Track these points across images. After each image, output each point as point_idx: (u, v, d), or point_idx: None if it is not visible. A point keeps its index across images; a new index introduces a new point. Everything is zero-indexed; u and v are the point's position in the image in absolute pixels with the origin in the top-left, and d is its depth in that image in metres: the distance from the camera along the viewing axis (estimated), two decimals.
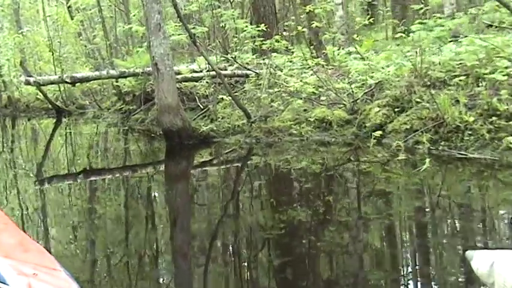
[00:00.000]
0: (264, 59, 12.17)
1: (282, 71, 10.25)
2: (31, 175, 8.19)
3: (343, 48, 10.85)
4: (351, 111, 8.46)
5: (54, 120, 16.19)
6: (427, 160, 5.86)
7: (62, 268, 2.12)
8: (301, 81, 9.79)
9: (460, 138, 6.56)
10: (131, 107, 13.02)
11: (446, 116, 6.79)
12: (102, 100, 16.98)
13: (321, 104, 8.69)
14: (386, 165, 6.57)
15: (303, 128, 8.43)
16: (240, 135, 8.82)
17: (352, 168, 6.89)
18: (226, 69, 11.68)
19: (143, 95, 12.58)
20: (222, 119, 9.68)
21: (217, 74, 9.33)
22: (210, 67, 11.38)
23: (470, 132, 6.52)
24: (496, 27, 9.71)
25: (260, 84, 10.38)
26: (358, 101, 8.49)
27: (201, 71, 12.01)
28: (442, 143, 6.67)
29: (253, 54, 12.39)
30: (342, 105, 8.62)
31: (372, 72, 8.58)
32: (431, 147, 6.68)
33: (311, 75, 10.23)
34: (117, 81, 13.83)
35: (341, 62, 10.58)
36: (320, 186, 6.04)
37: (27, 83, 12.84)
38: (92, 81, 13.61)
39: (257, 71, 10.94)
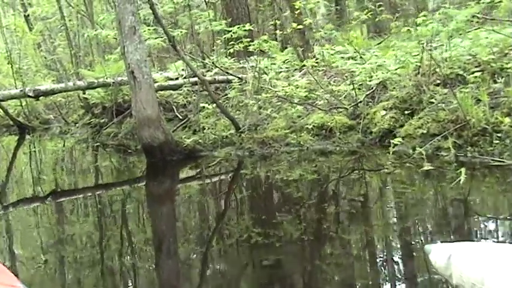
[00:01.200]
0: (245, 62, 11.34)
1: (267, 75, 9.33)
2: None
3: (332, 48, 9.96)
4: (353, 115, 7.59)
5: (17, 138, 14.88)
6: (462, 170, 4.98)
7: (22, 285, 2.02)
8: (289, 84, 8.89)
9: (489, 142, 5.75)
10: (102, 121, 11.90)
11: (469, 118, 5.96)
12: (68, 114, 15.77)
13: (320, 109, 7.78)
14: (412, 178, 5.66)
15: (300, 136, 7.52)
16: (230, 148, 7.86)
17: (373, 185, 5.85)
18: (204, 75, 10.71)
19: (114, 106, 11.50)
20: (206, 129, 8.70)
21: (201, 81, 8.37)
22: (189, 73, 10.45)
23: (499, 135, 5.70)
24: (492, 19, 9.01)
25: (245, 90, 9.47)
26: (359, 104, 7.62)
27: (176, 79, 11.05)
28: (469, 149, 5.84)
29: (230, 58, 11.46)
30: (341, 110, 7.74)
31: (372, 72, 7.71)
32: (458, 154, 5.84)
33: (301, 78, 9.35)
34: (84, 93, 12.69)
35: (330, 62, 9.71)
36: (334, 212, 5.02)
37: None
38: (56, 94, 12.39)
39: (239, 76, 10.01)
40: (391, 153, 6.01)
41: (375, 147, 6.95)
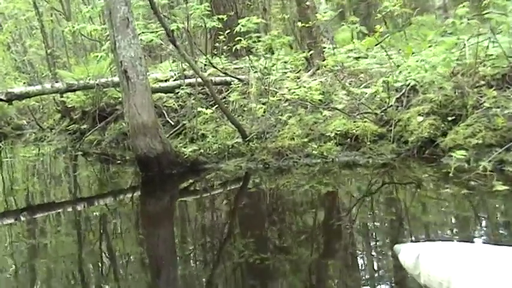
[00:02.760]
0: (239, 63, 10.22)
1: (273, 75, 8.22)
2: None
3: (335, 47, 8.90)
4: (380, 122, 6.53)
5: None
6: None
7: None
8: (300, 86, 7.79)
9: None
10: (83, 127, 10.63)
11: None
12: (43, 119, 14.42)
13: (347, 114, 6.70)
14: (489, 204, 4.51)
15: (321, 146, 6.42)
16: (239, 159, 6.71)
17: (436, 215, 4.47)
18: (193, 77, 9.55)
19: (97, 111, 10.24)
20: (208, 138, 7.55)
21: (204, 82, 7.18)
22: (181, 74, 9.28)
23: None
24: None
25: (247, 93, 8.35)
26: (389, 108, 6.56)
27: (166, 80, 9.87)
28: None
29: (224, 58, 10.34)
30: (366, 116, 6.67)
31: (404, 73, 6.66)
32: None
33: (309, 79, 8.27)
34: (61, 96, 11.41)
35: (342, 62, 8.64)
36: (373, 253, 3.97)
37: None
38: (31, 98, 11.06)
39: (239, 77, 8.88)
40: (452, 168, 4.89)
41: (412, 159, 5.89)
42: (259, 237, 4.16)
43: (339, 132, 6.48)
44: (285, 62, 9.26)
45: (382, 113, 6.47)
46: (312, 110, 7.23)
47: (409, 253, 2.41)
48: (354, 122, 6.62)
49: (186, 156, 6.75)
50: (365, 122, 6.55)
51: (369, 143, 6.20)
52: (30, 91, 9.85)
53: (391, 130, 6.28)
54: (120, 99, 10.58)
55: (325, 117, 7.03)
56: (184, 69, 10.25)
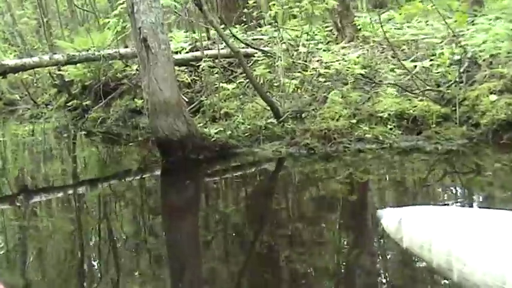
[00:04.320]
0: (259, 33, 9.16)
1: (305, 47, 7.21)
2: None
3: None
4: (441, 100, 5.55)
5: None
6: None
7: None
8: (336, 59, 6.80)
9: None
10: (84, 103, 9.52)
11: None
12: (37, 94, 13.23)
13: (410, 92, 5.71)
14: None
15: (372, 128, 5.45)
16: (276, 143, 5.71)
17: None
18: (208, 49, 8.48)
19: (101, 86, 9.15)
20: (230, 117, 6.56)
21: (235, 53, 6.12)
22: (197, 45, 8.24)
23: None
24: None
25: (274, 67, 7.32)
26: (453, 85, 5.58)
27: (176, 52, 8.79)
28: None
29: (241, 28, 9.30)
30: (425, 93, 5.68)
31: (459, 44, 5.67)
32: None
33: (349, 52, 7.26)
34: (59, 70, 10.24)
35: (374, 32, 7.63)
36: None
37: None
38: (27, 71, 9.91)
39: (263, 49, 7.84)
40: None
41: (486, 145, 4.94)
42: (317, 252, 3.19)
43: (392, 113, 5.49)
44: (312, 33, 8.23)
45: (449, 90, 5.48)
46: (354, 86, 6.23)
47: (391, 218, 2.38)
48: (408, 100, 5.64)
49: (213, 139, 5.74)
50: (421, 101, 5.57)
51: (433, 125, 5.22)
52: (26, 63, 8.71)
53: (455, 110, 5.31)
54: (125, 73, 9.54)
55: (369, 94, 6.06)
56: (196, 40, 9.20)
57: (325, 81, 6.52)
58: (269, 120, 6.08)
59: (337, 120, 5.65)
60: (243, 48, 8.10)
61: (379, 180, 4.64)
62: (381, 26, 6.37)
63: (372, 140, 5.28)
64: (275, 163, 5.39)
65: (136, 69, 9.05)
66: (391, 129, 5.36)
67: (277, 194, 4.62)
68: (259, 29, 9.54)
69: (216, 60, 7.49)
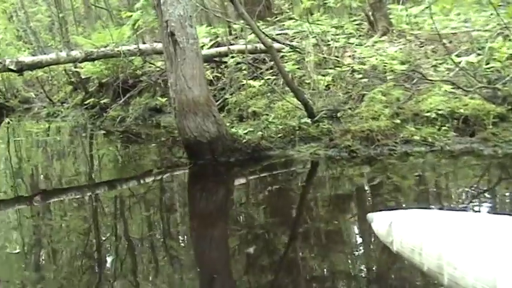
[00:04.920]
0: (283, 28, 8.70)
1: (336, 41, 6.76)
2: None
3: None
4: (495, 98, 5.07)
5: None
6: None
7: None
8: (372, 54, 6.34)
9: None
10: (102, 101, 9.12)
11: None
12: (52, 91, 12.87)
13: (465, 90, 5.23)
14: None
15: (418, 129, 4.98)
16: (313, 144, 5.27)
17: None
18: (230, 44, 8.05)
19: (119, 83, 8.74)
20: (258, 116, 6.13)
21: (267, 48, 5.65)
22: (218, 40, 7.80)
23: None
24: None
25: (303, 63, 6.87)
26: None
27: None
28: None
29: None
30: (478, 90, 5.20)
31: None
32: None
33: (377, 46, 6.79)
34: (75, 67, 9.82)
35: (410, 25, 7.15)
36: None
37: None
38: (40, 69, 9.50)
39: (291, 44, 7.39)
40: None
41: None
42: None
43: (440, 112, 5.01)
44: (341, 27, 7.77)
45: (506, 87, 5.00)
46: (394, 83, 5.76)
47: (382, 221, 2.33)
48: (456, 98, 5.17)
49: (244, 141, 5.30)
50: (472, 99, 5.09)
51: (490, 126, 4.74)
52: (43, 60, 8.33)
53: (511, 110, 4.83)
54: (144, 69, 9.13)
55: (410, 92, 5.59)
56: (217, 35, 8.78)
57: (361, 78, 6.05)
58: (302, 120, 5.62)
59: (379, 120, 5.18)
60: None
61: (437, 187, 4.16)
62: (431, 17, 5.85)
63: (420, 142, 4.81)
64: (313, 167, 4.93)
65: (156, 66, 8.66)
66: (439, 130, 4.88)
67: (318, 203, 4.15)
68: (280, 23, 9.12)
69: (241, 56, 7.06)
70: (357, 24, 8.01)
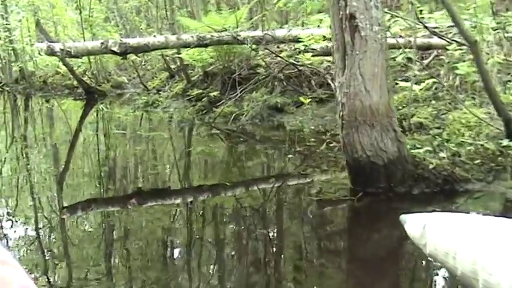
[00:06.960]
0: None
1: None
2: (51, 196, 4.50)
3: None
4: None
5: (83, 104, 11.08)
6: None
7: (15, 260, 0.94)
8: None
9: None
10: (211, 94, 7.86)
11: None
12: (146, 77, 11.81)
13: None
14: None
15: None
16: None
17: None
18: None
19: (232, 75, 7.49)
20: (429, 129, 4.70)
21: (470, 44, 4.12)
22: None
23: None
24: None
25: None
26: None
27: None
28: None
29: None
30: None
31: None
32: None
33: None
34: (179, 53, 8.62)
35: None
36: None
37: (51, 52, 7.64)
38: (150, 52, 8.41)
39: (459, 41, 5.85)
40: None
41: None
42: None
43: None
44: None
45: None
46: None
47: (415, 223, 2.22)
48: None
49: (431, 168, 3.86)
50: None
51: None
52: (150, 43, 7.24)
53: None
54: (260, 59, 7.82)
55: None
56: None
57: None
58: (504, 143, 4.13)
59: None
60: (422, 37, 6.23)
61: None
62: None
63: None
64: None
65: (276, 55, 7.35)
66: None
67: None
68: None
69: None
70: None
